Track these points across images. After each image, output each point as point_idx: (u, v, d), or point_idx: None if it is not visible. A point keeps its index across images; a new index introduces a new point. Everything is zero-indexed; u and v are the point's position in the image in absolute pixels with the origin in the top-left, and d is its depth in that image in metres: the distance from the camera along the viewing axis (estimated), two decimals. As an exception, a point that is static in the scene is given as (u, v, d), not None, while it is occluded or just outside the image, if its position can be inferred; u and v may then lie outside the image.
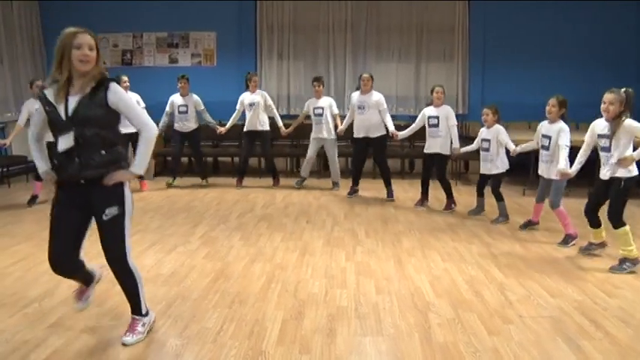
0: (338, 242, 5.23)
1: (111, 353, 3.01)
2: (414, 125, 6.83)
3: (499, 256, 4.78)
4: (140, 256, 4.49)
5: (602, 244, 4.82)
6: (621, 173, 4.33)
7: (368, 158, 7.61)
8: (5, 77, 9.14)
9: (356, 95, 7.29)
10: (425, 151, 6.70)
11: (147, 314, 3.25)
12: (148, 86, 8.51)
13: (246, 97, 8.02)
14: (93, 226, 3.09)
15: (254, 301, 3.76)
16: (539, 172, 5.40)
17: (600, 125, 4.49)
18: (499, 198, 6.02)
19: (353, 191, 7.46)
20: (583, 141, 4.77)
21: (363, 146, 7.31)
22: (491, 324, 3.37)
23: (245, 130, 8.03)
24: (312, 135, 7.87)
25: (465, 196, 7.41)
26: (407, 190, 7.84)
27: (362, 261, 4.66)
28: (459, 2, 9.75)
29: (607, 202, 4.47)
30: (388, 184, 7.28)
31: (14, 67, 9.34)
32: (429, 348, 3.06)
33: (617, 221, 4.38)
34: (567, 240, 5.12)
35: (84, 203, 3.00)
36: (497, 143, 5.96)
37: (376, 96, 7.18)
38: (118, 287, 3.89)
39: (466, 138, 7.63)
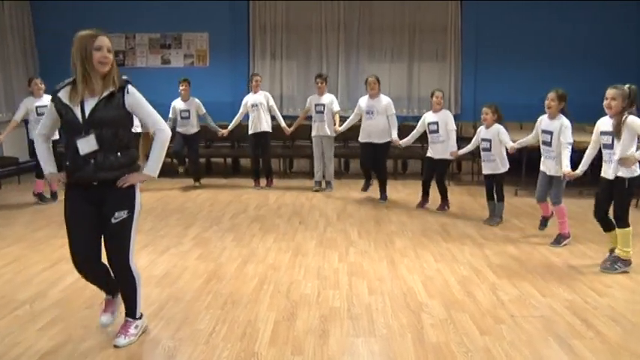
0: (331, 243, 5.24)
1: (103, 355, 3.00)
2: (414, 132, 6.76)
3: (491, 257, 4.80)
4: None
5: (628, 262, 4.43)
6: (624, 173, 4.26)
7: None
8: (-4, 78, 9.10)
9: (364, 100, 7.19)
10: (428, 154, 6.68)
11: (140, 318, 3.24)
12: (141, 87, 8.25)
13: (249, 99, 8.00)
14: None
15: (246, 302, 3.76)
16: (541, 167, 5.24)
17: (604, 122, 4.43)
18: (500, 198, 5.97)
19: (367, 186, 7.36)
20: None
21: (369, 150, 7.19)
22: (483, 324, 3.39)
23: (250, 132, 7.96)
24: (313, 132, 7.79)
25: (457, 196, 7.44)
26: (399, 191, 7.85)
27: (355, 262, 4.66)
28: (451, 2, 9.77)
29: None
30: (383, 189, 7.25)
31: (6, 68, 9.29)
32: (421, 348, 3.07)
33: (622, 221, 4.34)
34: (560, 240, 5.12)
35: (95, 202, 2.99)
36: (498, 143, 5.85)
37: (385, 100, 7.08)
38: (110, 289, 3.89)
39: (459, 138, 7.63)
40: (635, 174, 4.28)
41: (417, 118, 8.80)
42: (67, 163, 2.98)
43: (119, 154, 2.97)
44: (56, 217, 6.19)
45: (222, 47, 10.01)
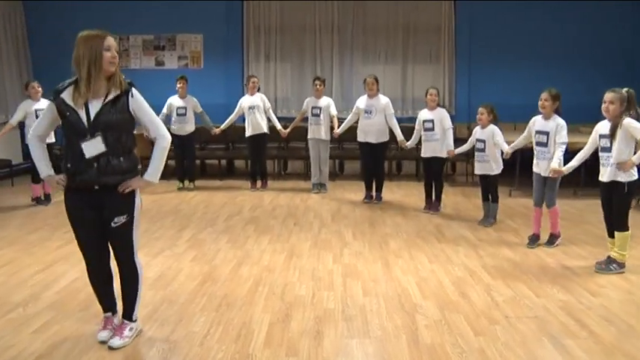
0: (325, 244, 5.24)
1: (98, 357, 2.99)
2: (415, 134, 6.73)
3: (485, 258, 4.81)
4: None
5: (622, 265, 4.43)
6: (622, 177, 4.24)
7: None
8: (-11, 79, 9.07)
9: (363, 99, 7.17)
10: (422, 155, 6.66)
11: (135, 321, 3.24)
12: (134, 89, 8.43)
13: (245, 100, 7.98)
14: None
15: (241, 304, 3.75)
16: (535, 169, 5.17)
17: (603, 125, 4.40)
18: (495, 199, 5.96)
19: (369, 197, 7.24)
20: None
21: (368, 150, 7.16)
22: (477, 325, 3.39)
23: (248, 135, 7.94)
24: (309, 135, 7.77)
25: (451, 197, 7.45)
26: (394, 192, 7.86)
27: (349, 263, 4.66)
28: (444, 2, 9.80)
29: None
30: (379, 189, 7.24)
31: (-2, 69, 9.27)
32: (416, 349, 3.07)
33: (621, 225, 4.33)
34: (553, 240, 5.13)
35: (96, 205, 2.99)
36: (492, 144, 5.81)
37: (384, 100, 7.07)
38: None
39: (454, 140, 7.64)
40: (633, 178, 4.26)
41: (411, 119, 8.86)
42: (69, 166, 2.96)
43: (122, 158, 2.97)
44: (50, 220, 6.18)
45: (216, 49, 10.00)
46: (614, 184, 4.30)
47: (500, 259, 4.76)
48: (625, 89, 4.25)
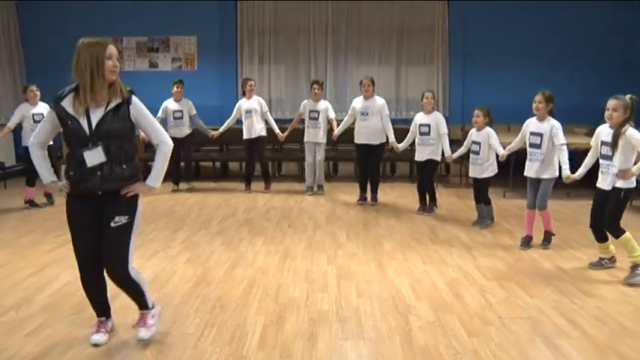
0: (319, 246, 5.24)
1: (90, 361, 2.98)
2: (410, 135, 6.72)
3: (479, 259, 4.82)
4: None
5: (613, 259, 4.53)
6: (622, 184, 4.18)
7: None
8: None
9: (359, 101, 7.16)
10: (416, 159, 6.65)
11: (153, 306, 3.27)
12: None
13: (243, 104, 7.97)
14: None
15: (235, 306, 3.75)
16: (526, 172, 5.14)
17: (605, 131, 4.31)
18: (487, 202, 5.94)
19: (363, 198, 7.25)
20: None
21: (365, 152, 7.15)
22: (471, 326, 3.40)
23: (244, 138, 7.93)
24: (306, 138, 7.75)
25: (445, 198, 7.46)
26: (388, 194, 7.87)
27: (343, 265, 4.66)
28: (438, 2, 9.82)
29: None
30: (375, 190, 7.23)
31: (-9, 72, 9.24)
32: (409, 351, 3.07)
33: (615, 230, 4.25)
34: (549, 238, 5.13)
35: (98, 209, 2.99)
36: (487, 146, 5.79)
37: (380, 101, 7.07)
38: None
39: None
40: (632, 185, 4.20)
41: (405, 121, 8.88)
42: (71, 174, 2.97)
43: (124, 165, 2.98)
44: (42, 223, 6.15)
45: (210, 51, 9.99)
46: (613, 191, 4.24)
47: (493, 260, 4.77)
48: (628, 96, 4.17)
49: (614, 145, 4.17)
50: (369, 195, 7.25)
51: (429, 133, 6.46)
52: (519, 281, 4.22)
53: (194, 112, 8.13)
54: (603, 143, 4.30)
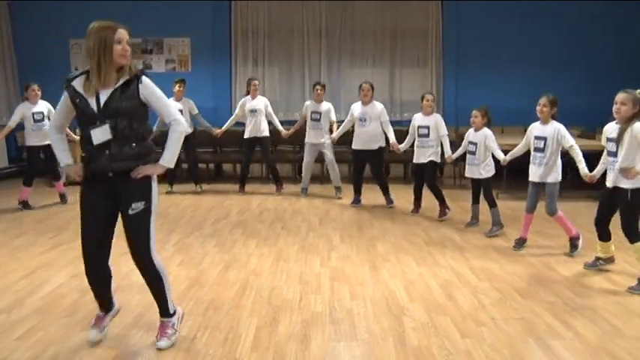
0: (313, 248, 5.24)
1: (82, 364, 2.97)
2: (409, 137, 6.63)
3: (472, 260, 4.83)
4: (114, 263, 4.39)
5: (611, 259, 4.50)
6: (626, 184, 4.03)
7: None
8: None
9: (357, 106, 7.11)
10: (414, 161, 6.55)
11: (174, 313, 3.23)
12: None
13: (247, 103, 7.95)
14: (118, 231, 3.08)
15: (228, 308, 3.74)
16: (531, 177, 5.03)
17: (610, 128, 4.22)
18: (492, 204, 5.79)
19: (357, 200, 7.26)
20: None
21: (362, 158, 7.10)
22: (464, 327, 3.41)
23: (246, 137, 7.93)
24: (307, 139, 7.71)
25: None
26: (381, 195, 7.85)
27: (336, 266, 4.66)
28: (432, 2, 9.85)
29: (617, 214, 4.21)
30: (386, 193, 7.16)
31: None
32: (402, 352, 3.07)
33: (631, 235, 4.08)
34: (574, 243, 4.94)
35: (112, 194, 2.98)
36: (484, 147, 5.74)
37: (378, 107, 7.01)
38: (89, 297, 3.85)
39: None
40: (637, 185, 4.01)
41: (399, 122, 8.91)
42: (83, 155, 2.97)
43: (134, 144, 2.95)
44: (35, 225, 6.13)
45: (204, 52, 9.99)
46: (617, 191, 4.12)
47: (487, 262, 4.78)
48: (638, 90, 4.04)
49: (619, 140, 4.05)
50: (384, 198, 7.17)
51: (428, 135, 6.38)
52: (512, 282, 4.23)
53: (196, 111, 8.10)
54: (609, 140, 4.20)
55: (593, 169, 4.55)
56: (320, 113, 7.59)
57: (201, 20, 9.84)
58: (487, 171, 5.82)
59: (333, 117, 7.65)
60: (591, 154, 5.18)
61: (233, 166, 9.57)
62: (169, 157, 3.06)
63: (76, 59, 9.83)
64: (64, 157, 3.12)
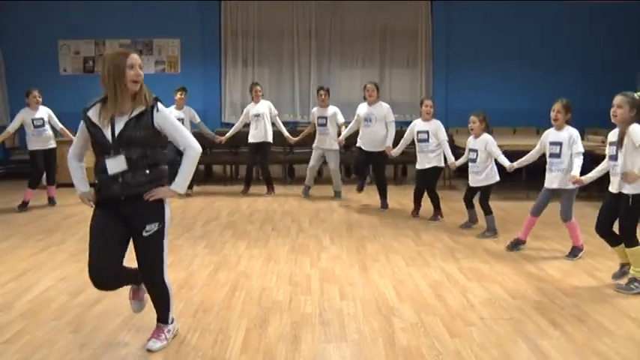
0: (303, 249, 5.24)
1: (70, 367, 2.95)
2: (403, 140, 6.58)
3: (462, 260, 4.85)
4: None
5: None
6: (628, 189, 3.93)
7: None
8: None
9: (363, 107, 7.05)
10: (417, 167, 6.48)
11: (172, 322, 3.26)
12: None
13: (250, 109, 7.94)
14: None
15: (218, 309, 3.74)
16: (548, 184, 4.92)
17: (613, 132, 4.12)
18: (487, 211, 5.69)
19: (362, 185, 7.21)
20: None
21: (365, 158, 7.06)
22: (453, 327, 3.42)
23: (250, 141, 7.91)
24: (315, 144, 7.69)
25: (428, 200, 7.45)
26: (372, 196, 7.85)
27: (326, 267, 4.67)
28: (422, 2, 9.88)
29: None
30: (384, 196, 7.12)
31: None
32: (392, 352, 3.08)
33: (629, 241, 4.01)
34: (575, 252, 4.89)
35: (124, 216, 2.98)
36: (485, 154, 5.60)
37: (384, 108, 6.94)
38: (77, 300, 3.86)
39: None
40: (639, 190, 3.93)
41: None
42: (96, 181, 2.99)
43: (147, 171, 2.96)
44: (22, 227, 6.09)
45: (193, 54, 9.98)
46: (620, 196, 4.01)
47: (476, 262, 4.80)
48: (637, 94, 3.96)
49: (619, 143, 3.97)
50: (380, 201, 7.14)
51: (427, 140, 6.29)
52: (501, 282, 4.26)
53: (198, 119, 8.11)
54: (610, 144, 4.11)
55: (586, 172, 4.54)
56: (325, 118, 7.56)
57: (190, 21, 9.83)
58: (490, 177, 5.67)
59: (341, 119, 7.58)
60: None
61: (223, 168, 9.56)
62: (181, 183, 3.07)
63: (65, 60, 9.79)
64: (81, 186, 3.15)
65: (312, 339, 3.27)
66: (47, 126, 7.08)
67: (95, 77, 9.61)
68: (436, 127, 6.35)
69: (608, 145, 4.17)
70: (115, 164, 2.90)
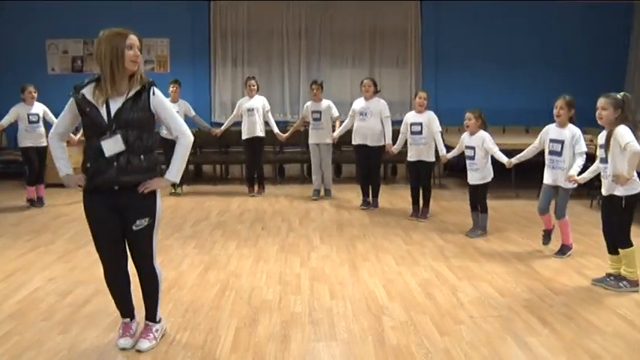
0: (293, 248, 5.24)
1: (59, 368, 2.94)
2: (401, 136, 6.51)
3: (451, 259, 4.87)
4: (93, 266, 4.38)
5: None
6: (620, 192, 3.91)
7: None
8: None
9: (359, 102, 7.02)
10: (408, 159, 6.45)
11: (160, 321, 3.24)
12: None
13: (244, 103, 7.89)
14: None
15: (208, 309, 3.73)
16: (546, 180, 4.89)
17: (601, 134, 4.10)
18: (484, 209, 5.65)
19: (366, 203, 7.06)
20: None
21: (364, 154, 6.97)
22: (442, 325, 3.43)
23: (244, 137, 7.84)
24: (310, 140, 7.64)
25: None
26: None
27: (316, 266, 4.67)
28: (412, 2, 9.90)
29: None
30: (375, 195, 7.07)
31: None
32: (382, 351, 3.09)
33: (623, 242, 4.00)
34: (564, 250, 4.89)
35: (116, 208, 2.95)
36: (483, 151, 5.53)
37: (381, 103, 6.90)
38: (67, 301, 3.84)
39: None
40: (632, 192, 3.92)
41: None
42: (88, 166, 2.92)
43: (142, 157, 2.92)
44: (11, 227, 6.04)
45: (182, 53, 9.92)
46: (612, 198, 4.01)
47: (466, 261, 4.82)
48: (621, 94, 3.96)
49: (605, 145, 3.97)
50: (371, 199, 7.09)
51: (420, 132, 6.25)
52: (491, 280, 4.28)
53: (192, 113, 8.07)
54: (600, 146, 4.08)
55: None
56: (320, 112, 7.51)
57: (180, 21, 9.78)
58: (487, 175, 5.63)
59: (335, 113, 7.56)
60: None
61: (213, 168, 9.53)
62: (175, 172, 3.05)
63: (53, 59, 9.71)
64: (64, 167, 3.06)
65: (302, 338, 3.27)
66: (41, 123, 6.99)
67: (84, 77, 9.56)
68: (429, 118, 6.29)
69: (598, 148, 4.15)
70: (112, 145, 2.85)
